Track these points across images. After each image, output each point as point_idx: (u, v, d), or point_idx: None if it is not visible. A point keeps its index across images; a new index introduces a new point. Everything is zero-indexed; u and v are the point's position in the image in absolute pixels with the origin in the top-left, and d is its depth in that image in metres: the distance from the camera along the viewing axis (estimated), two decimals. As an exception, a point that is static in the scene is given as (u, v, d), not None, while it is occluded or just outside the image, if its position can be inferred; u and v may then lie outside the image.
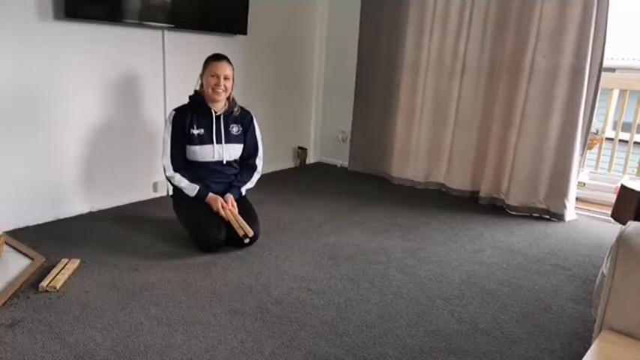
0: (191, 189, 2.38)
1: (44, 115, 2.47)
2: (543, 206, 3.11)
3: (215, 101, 2.42)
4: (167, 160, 2.40)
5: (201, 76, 2.42)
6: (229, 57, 2.44)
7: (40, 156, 2.50)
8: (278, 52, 3.75)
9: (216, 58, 2.40)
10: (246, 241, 2.32)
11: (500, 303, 1.96)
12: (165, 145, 2.40)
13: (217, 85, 2.36)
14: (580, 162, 3.07)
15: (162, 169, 2.43)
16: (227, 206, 2.36)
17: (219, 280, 2.04)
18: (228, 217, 2.32)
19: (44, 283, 1.85)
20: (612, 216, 2.42)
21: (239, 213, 2.41)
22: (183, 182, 2.39)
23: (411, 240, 2.59)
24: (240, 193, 2.50)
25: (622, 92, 3.93)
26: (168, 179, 2.45)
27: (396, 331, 1.71)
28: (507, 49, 3.12)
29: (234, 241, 2.33)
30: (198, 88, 2.46)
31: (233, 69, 2.43)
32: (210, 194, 2.38)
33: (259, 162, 2.60)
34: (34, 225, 2.50)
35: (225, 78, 2.38)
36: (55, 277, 1.91)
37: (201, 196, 2.37)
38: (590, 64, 2.86)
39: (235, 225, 2.30)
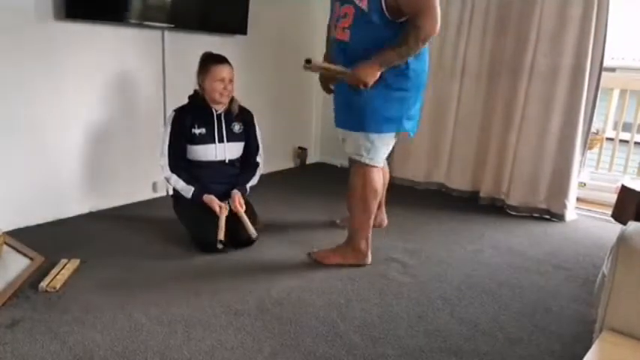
0: (186, 190, 2.36)
1: (44, 115, 2.47)
2: (544, 206, 3.11)
3: (219, 103, 2.42)
4: (164, 161, 2.39)
5: (200, 76, 2.40)
6: (229, 57, 2.43)
7: (40, 156, 2.50)
8: (278, 52, 3.75)
9: (219, 60, 2.37)
10: (254, 236, 2.34)
11: (500, 303, 1.95)
12: (163, 146, 2.40)
13: (225, 89, 2.35)
14: (581, 162, 3.07)
15: (160, 169, 2.43)
16: (235, 206, 2.35)
17: (220, 280, 2.04)
18: (239, 214, 2.32)
19: (44, 283, 1.85)
20: (613, 216, 2.42)
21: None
22: (179, 184, 2.38)
23: (411, 240, 2.59)
24: (246, 190, 2.49)
25: (622, 92, 3.93)
26: (166, 180, 2.45)
27: (396, 332, 1.71)
28: (508, 49, 3.11)
29: (234, 241, 2.32)
30: (197, 87, 2.46)
31: (232, 68, 2.43)
32: (205, 195, 2.36)
33: (260, 159, 2.61)
34: (34, 225, 2.50)
35: (230, 81, 2.37)
36: (55, 277, 1.91)
37: (196, 197, 2.36)
38: (591, 64, 2.85)
39: (244, 223, 2.31)
